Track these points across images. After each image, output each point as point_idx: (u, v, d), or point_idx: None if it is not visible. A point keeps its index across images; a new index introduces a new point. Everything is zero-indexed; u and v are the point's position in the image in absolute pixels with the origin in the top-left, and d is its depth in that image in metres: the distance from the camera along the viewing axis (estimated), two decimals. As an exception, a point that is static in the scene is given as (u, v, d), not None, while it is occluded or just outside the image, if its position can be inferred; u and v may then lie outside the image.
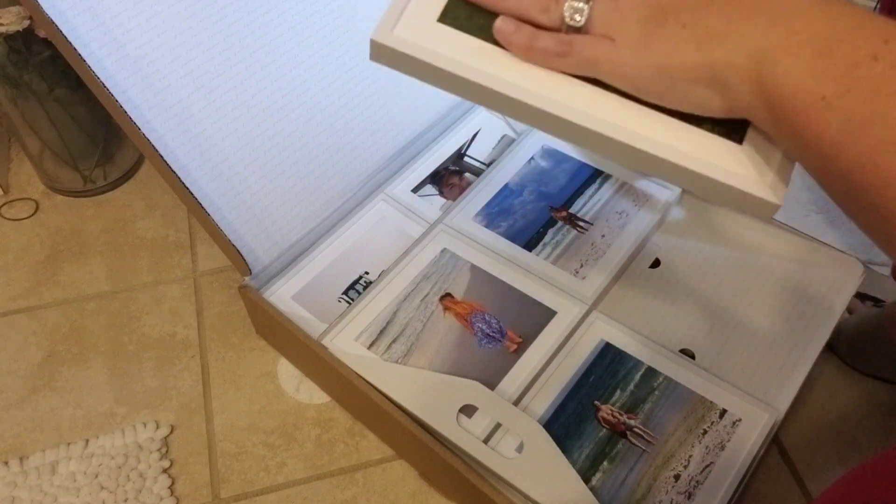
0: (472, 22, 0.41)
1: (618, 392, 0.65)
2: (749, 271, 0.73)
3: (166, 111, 0.64)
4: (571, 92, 0.40)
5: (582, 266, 0.72)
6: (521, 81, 0.40)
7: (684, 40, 0.35)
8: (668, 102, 0.37)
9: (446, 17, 0.41)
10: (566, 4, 0.38)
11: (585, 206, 0.78)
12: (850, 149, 0.29)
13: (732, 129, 0.39)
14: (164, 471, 0.68)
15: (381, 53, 0.41)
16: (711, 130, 0.39)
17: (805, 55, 0.31)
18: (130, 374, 0.76)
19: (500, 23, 0.40)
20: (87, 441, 0.70)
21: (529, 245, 0.74)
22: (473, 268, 0.73)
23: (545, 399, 0.64)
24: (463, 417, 0.62)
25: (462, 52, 0.41)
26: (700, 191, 0.40)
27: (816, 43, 0.30)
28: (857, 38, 0.30)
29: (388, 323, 0.69)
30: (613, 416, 0.63)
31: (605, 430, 0.63)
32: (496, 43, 0.41)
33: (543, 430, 0.61)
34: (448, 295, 0.71)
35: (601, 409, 0.64)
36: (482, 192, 0.79)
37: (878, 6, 0.61)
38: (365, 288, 0.73)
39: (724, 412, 0.63)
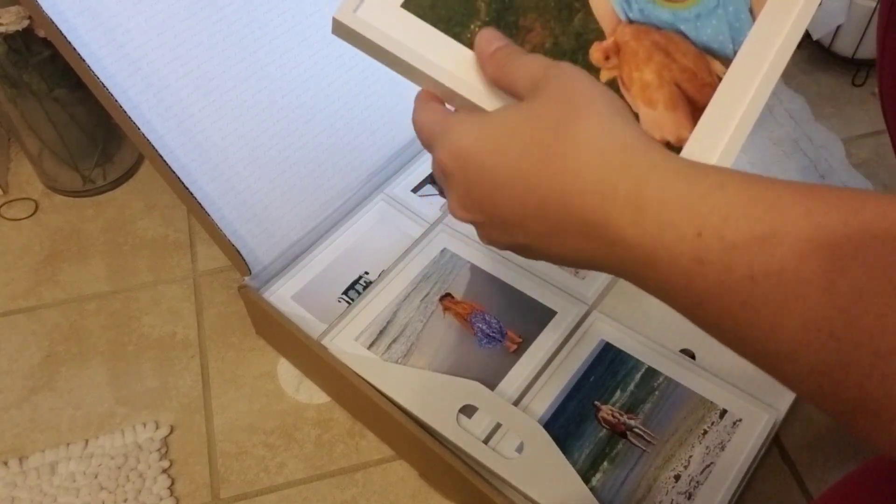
0: (435, 12, 0.42)
1: (618, 392, 0.65)
2: (749, 271, 0.73)
3: (166, 111, 0.64)
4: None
5: (582, 266, 0.72)
6: (473, 80, 0.41)
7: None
8: None
9: (410, 4, 0.42)
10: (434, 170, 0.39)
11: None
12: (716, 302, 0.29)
13: None
14: (164, 471, 0.68)
15: (342, 31, 0.42)
16: None
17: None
18: (130, 375, 0.75)
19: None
20: (87, 441, 0.70)
21: (529, 245, 0.74)
22: (473, 268, 0.73)
23: (545, 399, 0.64)
24: (463, 417, 0.62)
25: (419, 41, 0.41)
26: None
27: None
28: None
29: (388, 323, 0.69)
30: (614, 417, 0.63)
31: (605, 430, 0.63)
32: (454, 35, 0.41)
33: (543, 431, 0.61)
34: (448, 295, 0.71)
35: (601, 410, 0.64)
36: (482, 192, 0.79)
37: (878, 4, 0.61)
38: (365, 288, 0.73)
39: (724, 412, 0.63)
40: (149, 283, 0.83)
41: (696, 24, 0.43)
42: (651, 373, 0.66)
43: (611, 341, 0.68)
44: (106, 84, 0.60)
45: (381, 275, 0.72)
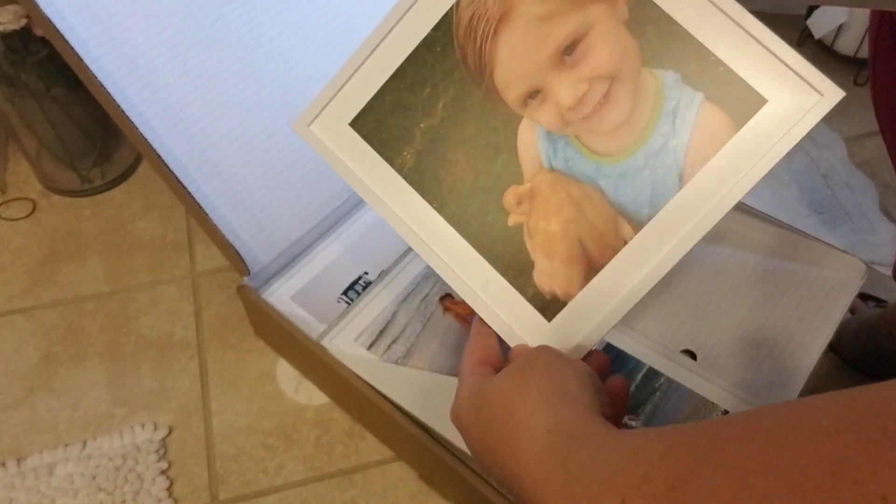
0: (377, 135, 0.44)
1: (619, 393, 0.64)
2: (751, 271, 0.73)
3: (164, 110, 0.64)
4: (433, 232, 0.43)
5: (582, 266, 0.72)
6: (400, 210, 0.44)
7: None
8: None
9: (357, 123, 0.44)
10: None
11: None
12: None
13: (547, 307, 0.43)
14: (163, 472, 0.68)
15: (300, 136, 0.46)
16: (530, 300, 0.43)
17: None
18: (128, 375, 0.75)
19: None
20: (85, 442, 0.70)
21: (530, 245, 0.74)
22: (473, 268, 0.72)
23: (546, 400, 0.64)
24: (463, 419, 0.62)
25: (358, 162, 0.44)
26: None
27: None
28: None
29: (387, 323, 0.68)
30: (614, 418, 0.63)
31: (606, 431, 0.62)
32: (387, 159, 0.44)
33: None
34: (448, 295, 0.70)
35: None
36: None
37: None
38: (364, 288, 0.72)
39: (725, 413, 0.62)
40: (147, 283, 0.83)
41: (616, 182, 0.42)
42: (652, 374, 0.65)
43: (611, 342, 0.67)
44: (104, 83, 0.59)
45: (381, 275, 0.72)
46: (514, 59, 0.42)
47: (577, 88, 0.41)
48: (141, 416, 0.72)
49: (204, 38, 0.65)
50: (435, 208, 0.43)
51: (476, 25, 0.42)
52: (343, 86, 0.44)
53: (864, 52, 0.98)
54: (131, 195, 0.92)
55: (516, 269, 0.43)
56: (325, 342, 0.66)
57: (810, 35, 1.03)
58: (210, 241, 0.71)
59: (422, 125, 0.44)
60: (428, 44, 0.43)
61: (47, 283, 0.83)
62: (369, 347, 0.67)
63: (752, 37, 0.39)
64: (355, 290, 0.73)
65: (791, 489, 0.23)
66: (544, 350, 0.40)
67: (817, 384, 0.72)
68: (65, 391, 0.74)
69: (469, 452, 0.40)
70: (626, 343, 0.67)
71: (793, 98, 0.39)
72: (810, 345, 0.67)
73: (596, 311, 0.41)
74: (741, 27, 0.39)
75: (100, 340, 0.78)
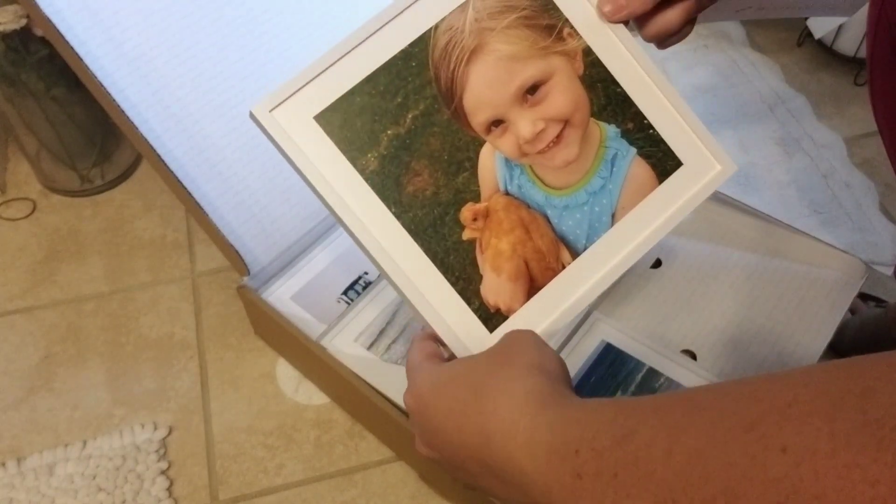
0: (342, 133, 0.44)
1: (619, 393, 0.64)
2: (751, 271, 0.73)
3: (164, 110, 0.64)
4: (389, 236, 0.44)
5: (583, 266, 0.72)
6: (358, 209, 0.44)
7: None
8: None
9: (322, 118, 0.44)
10: None
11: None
12: None
13: (490, 319, 0.45)
14: (163, 472, 0.68)
15: (257, 124, 0.45)
16: (475, 311, 0.45)
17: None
18: (128, 375, 0.75)
19: None
20: (85, 442, 0.70)
21: (530, 245, 0.74)
22: (473, 268, 0.72)
23: (546, 400, 0.64)
24: (463, 419, 0.62)
25: (320, 158, 0.44)
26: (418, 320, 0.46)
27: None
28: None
29: (387, 324, 0.68)
30: (614, 418, 0.63)
31: (606, 431, 0.62)
32: (350, 159, 0.44)
33: (544, 432, 0.60)
34: (448, 295, 0.70)
35: (602, 411, 0.63)
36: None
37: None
38: (364, 288, 0.72)
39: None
40: (147, 283, 0.83)
41: (561, 213, 0.47)
42: (652, 374, 0.65)
43: (612, 342, 0.67)
44: (104, 83, 0.59)
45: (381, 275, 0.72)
46: (483, 88, 0.45)
47: (536, 125, 0.46)
48: (141, 416, 0.72)
49: (204, 38, 0.65)
50: (393, 213, 0.44)
51: (451, 51, 0.45)
52: (314, 79, 0.44)
53: (864, 53, 0.98)
54: (131, 195, 0.92)
55: (465, 281, 0.45)
56: (325, 342, 0.66)
57: (810, 35, 1.03)
58: (210, 241, 0.71)
59: (389, 132, 0.45)
60: (405, 57, 0.45)
61: (47, 283, 0.83)
62: (369, 347, 0.67)
63: (676, 110, 0.48)
64: (355, 290, 0.73)
65: (711, 442, 0.28)
66: (528, 332, 0.42)
67: (817, 384, 0.72)
68: (65, 391, 0.74)
69: (420, 435, 0.42)
70: (626, 343, 0.67)
71: (700, 166, 0.48)
72: (810, 345, 0.67)
73: (534, 326, 0.45)
74: (667, 101, 0.48)
75: (100, 340, 0.78)
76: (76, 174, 0.90)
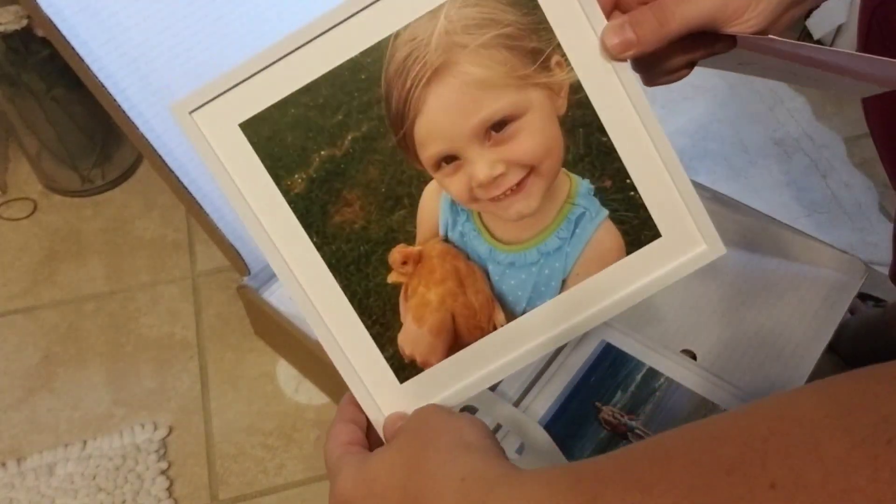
0: (269, 147, 0.40)
1: (619, 393, 0.64)
2: (751, 272, 0.73)
3: (164, 110, 0.64)
4: (306, 268, 0.41)
5: (582, 266, 0.72)
6: (273, 233, 0.41)
7: None
8: None
9: (249, 126, 0.39)
10: None
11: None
12: None
13: (403, 369, 0.41)
14: (163, 472, 0.68)
15: (176, 121, 0.40)
16: (388, 359, 0.41)
17: None
18: (128, 376, 0.75)
19: None
20: (85, 442, 0.70)
21: (530, 245, 0.74)
22: (473, 268, 0.72)
23: (546, 400, 0.64)
24: (463, 418, 0.61)
25: (239, 172, 0.40)
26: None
27: None
28: None
29: (387, 323, 0.68)
30: (614, 418, 0.63)
31: (606, 431, 0.62)
32: (275, 177, 0.40)
33: (544, 432, 0.60)
34: (448, 295, 0.70)
35: (602, 411, 0.63)
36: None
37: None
38: (364, 288, 0.72)
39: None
40: (147, 283, 0.83)
41: (504, 270, 0.41)
42: (652, 373, 0.65)
43: (612, 342, 0.67)
44: (104, 83, 0.59)
45: (381, 275, 0.72)
46: (440, 116, 0.39)
47: (495, 168, 0.40)
48: (141, 416, 0.72)
49: (205, 37, 0.65)
50: (314, 244, 0.40)
51: (410, 66, 0.38)
52: (243, 81, 0.38)
53: (864, 53, 0.98)
54: (132, 195, 0.92)
55: (383, 326, 0.41)
56: (325, 342, 0.66)
57: (809, 36, 1.04)
58: (210, 241, 0.71)
59: (322, 152, 0.40)
60: (353, 67, 0.39)
61: (47, 282, 0.83)
62: (369, 347, 0.67)
63: (669, 173, 0.40)
64: (355, 290, 0.73)
65: (692, 491, 0.26)
66: (432, 407, 0.39)
67: (817, 384, 0.72)
68: (65, 391, 0.74)
69: None
70: (625, 343, 0.67)
71: (683, 242, 0.42)
72: (810, 345, 0.67)
73: (448, 385, 0.42)
74: (661, 161, 0.40)
75: (100, 340, 0.78)
76: (77, 174, 0.90)
